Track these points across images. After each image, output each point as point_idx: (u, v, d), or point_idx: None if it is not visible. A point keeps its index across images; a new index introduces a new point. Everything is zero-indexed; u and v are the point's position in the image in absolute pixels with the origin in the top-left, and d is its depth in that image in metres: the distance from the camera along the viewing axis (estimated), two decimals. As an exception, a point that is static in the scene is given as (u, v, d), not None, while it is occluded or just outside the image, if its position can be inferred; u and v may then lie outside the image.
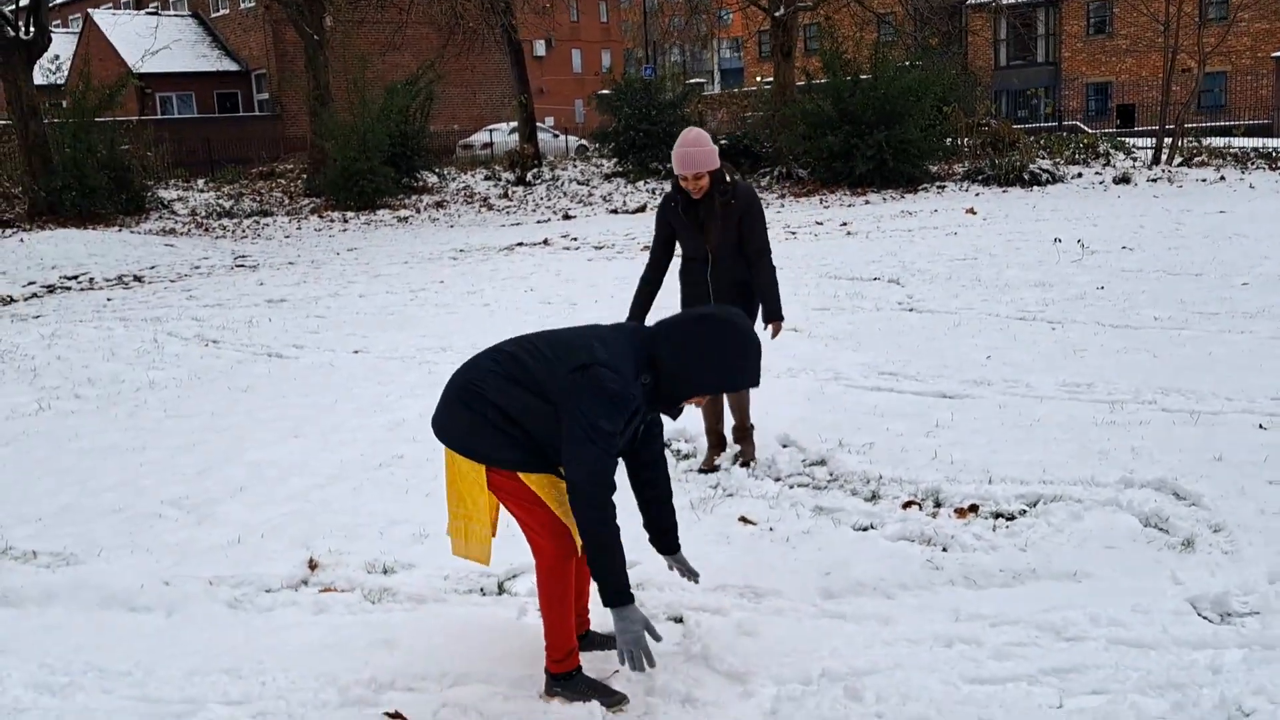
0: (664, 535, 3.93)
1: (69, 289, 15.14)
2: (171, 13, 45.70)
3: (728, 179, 5.46)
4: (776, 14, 25.50)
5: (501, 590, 4.57)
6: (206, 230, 22.38)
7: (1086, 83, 38.07)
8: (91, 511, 5.69)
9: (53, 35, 24.60)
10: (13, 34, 21.84)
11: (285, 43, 37.14)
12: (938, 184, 23.00)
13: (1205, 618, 3.95)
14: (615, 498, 3.44)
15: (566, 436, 3.40)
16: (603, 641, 4.02)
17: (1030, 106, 33.74)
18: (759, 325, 5.46)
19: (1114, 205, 18.21)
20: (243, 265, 17.09)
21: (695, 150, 5.30)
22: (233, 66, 43.38)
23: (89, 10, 44.37)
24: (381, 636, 4.16)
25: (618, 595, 3.46)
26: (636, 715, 3.60)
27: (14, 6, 23.57)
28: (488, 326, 10.14)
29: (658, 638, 3.62)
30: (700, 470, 5.88)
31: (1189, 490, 5.02)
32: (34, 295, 14.62)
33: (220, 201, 26.18)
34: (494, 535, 3.71)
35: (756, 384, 3.65)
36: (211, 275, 16.12)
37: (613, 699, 3.67)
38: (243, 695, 3.80)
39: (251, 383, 8.49)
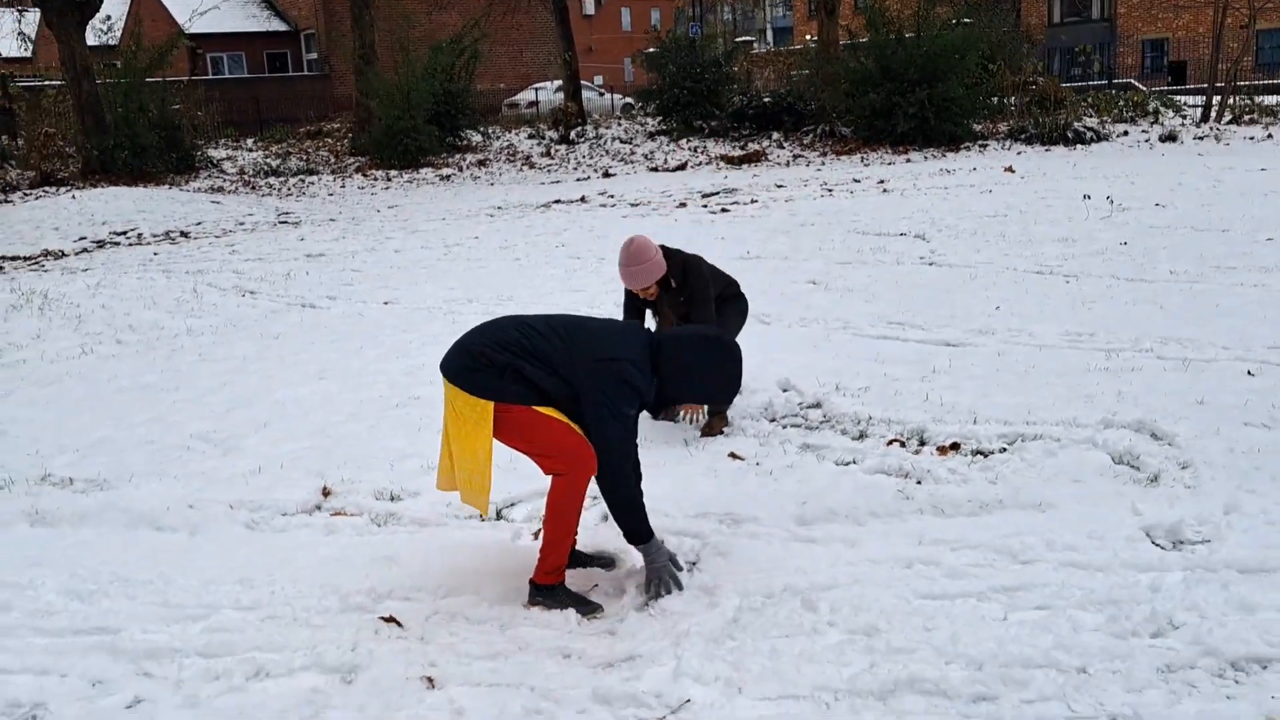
0: None
1: (118, 244, 15.60)
2: (224, -27, 46.10)
3: (672, 284, 5.65)
4: (821, -29, 25.46)
5: (500, 517, 4.85)
6: (253, 188, 22.81)
7: (1142, 39, 37.57)
8: (125, 443, 6.05)
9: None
10: (66, -5, 22.28)
11: (334, 2, 37.47)
12: (980, 142, 22.93)
13: (1158, 545, 4.15)
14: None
15: (590, 415, 3.79)
16: (586, 560, 4.32)
17: (1082, 64, 33.30)
18: None
19: (1156, 163, 18.11)
20: (285, 222, 17.48)
21: (639, 269, 5.51)
22: (282, 26, 43.81)
23: (142, -30, 44.91)
24: (383, 554, 4.47)
25: (642, 535, 3.94)
26: (610, 623, 3.87)
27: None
28: (516, 280, 10.42)
29: (680, 567, 4.07)
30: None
31: (1166, 431, 5.19)
32: (84, 250, 15.09)
33: (268, 160, 26.60)
34: (489, 486, 3.97)
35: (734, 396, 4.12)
36: (255, 231, 16.53)
37: (589, 608, 3.96)
38: (253, 602, 4.12)
39: (284, 330, 8.83)
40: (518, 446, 4.01)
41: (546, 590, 4.01)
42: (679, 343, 3.95)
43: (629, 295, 5.83)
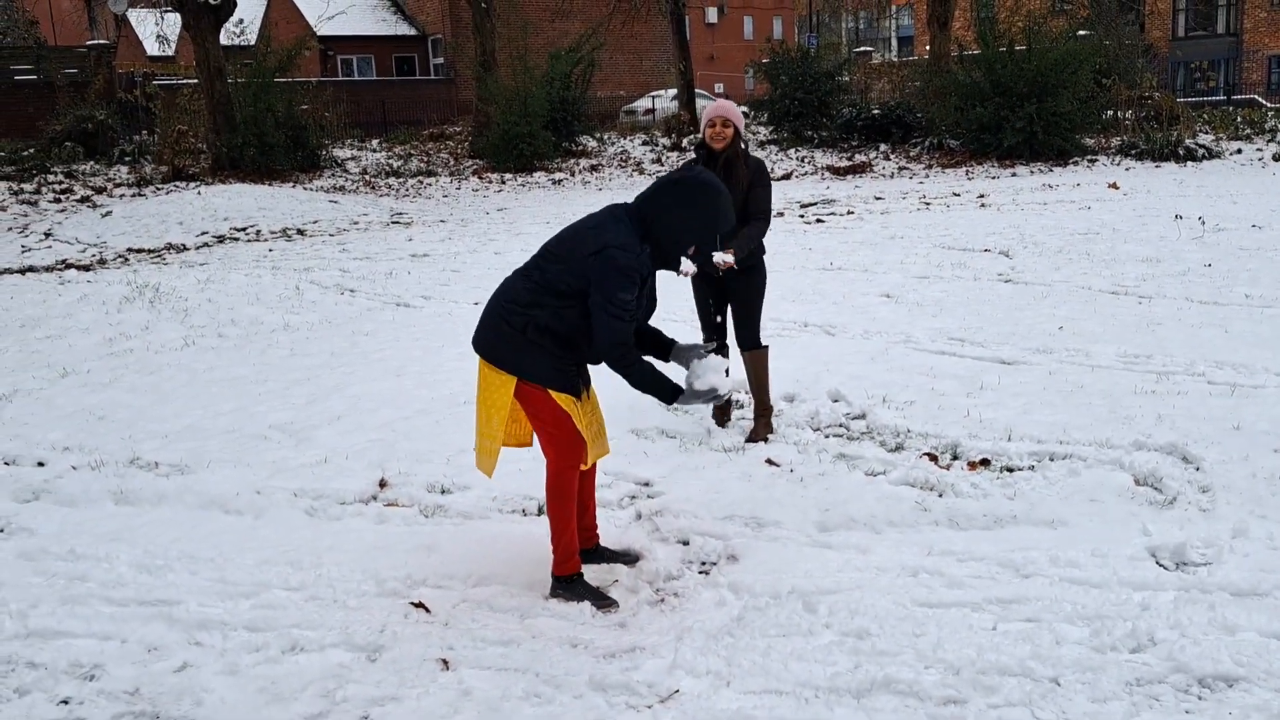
0: (661, 347, 4.42)
1: (237, 240, 16.35)
2: (355, -22, 47.53)
3: (744, 146, 5.76)
4: (934, -17, 25.35)
5: (541, 512, 5.14)
6: (373, 188, 23.57)
7: (1269, 55, 36.42)
8: (209, 431, 6.50)
9: None
10: (202, 0, 23.34)
11: (460, 8, 38.31)
12: (1090, 158, 22.59)
13: (1162, 565, 4.27)
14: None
15: (592, 310, 4.01)
16: (611, 556, 4.59)
17: (1205, 77, 32.46)
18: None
19: (1265, 183, 17.68)
20: (398, 222, 18.09)
21: (722, 103, 5.72)
22: (410, 31, 44.98)
23: (278, -26, 46.54)
24: (425, 543, 4.80)
25: (670, 394, 4.15)
26: (623, 616, 4.14)
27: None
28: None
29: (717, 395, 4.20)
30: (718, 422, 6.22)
31: (1195, 454, 5.27)
32: (204, 245, 15.86)
33: (390, 161, 27.42)
34: (499, 451, 4.28)
35: (732, 225, 4.22)
36: (368, 230, 17.16)
37: (603, 602, 4.23)
38: (300, 583, 4.48)
39: (375, 328, 9.27)
40: (529, 418, 4.27)
41: (565, 582, 4.29)
42: (654, 196, 4.09)
43: (697, 151, 5.83)
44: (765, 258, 5.95)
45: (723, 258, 5.13)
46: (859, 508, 4.90)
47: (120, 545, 4.91)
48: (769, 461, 5.57)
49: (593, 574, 4.42)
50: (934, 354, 7.48)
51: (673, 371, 4.63)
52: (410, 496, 5.39)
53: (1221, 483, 4.92)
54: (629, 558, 4.61)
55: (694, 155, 5.84)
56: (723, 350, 5.70)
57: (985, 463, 5.38)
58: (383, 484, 5.55)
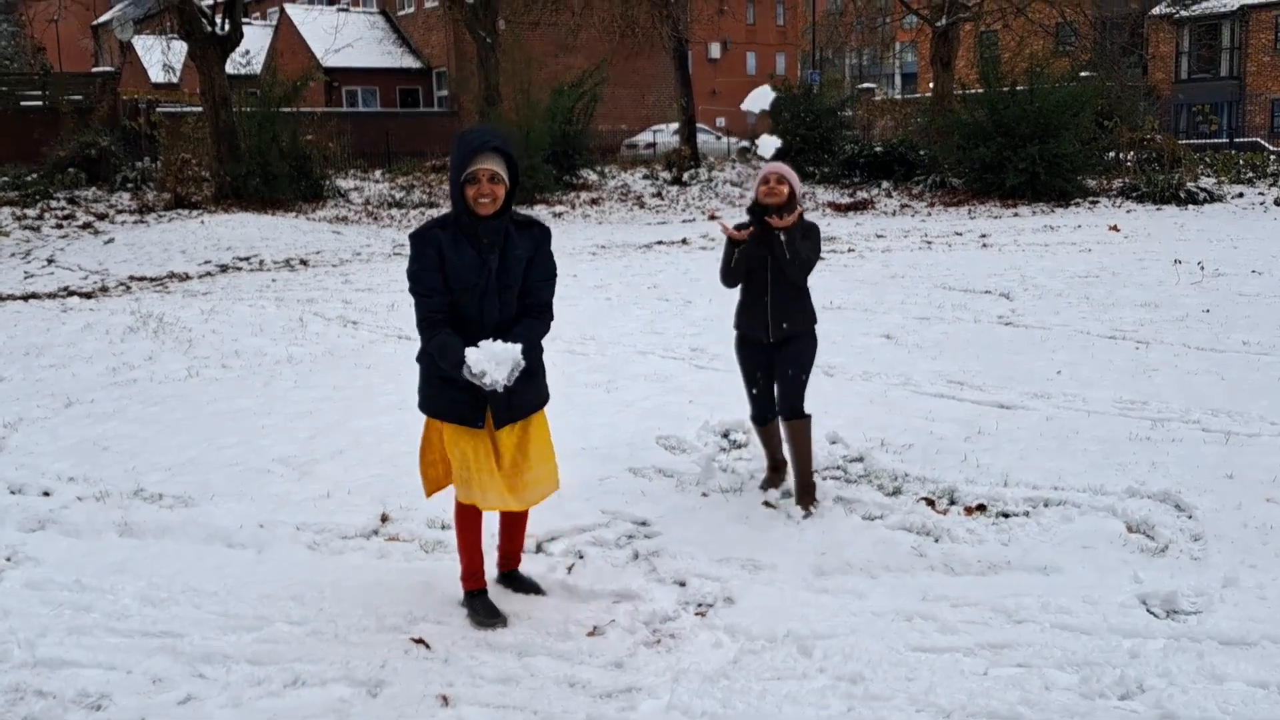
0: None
1: (240, 269, 16.46)
2: (361, 10, 47.93)
3: (797, 205, 5.57)
4: (937, 24, 25.57)
5: (539, 549, 5.20)
6: (375, 219, 23.69)
7: (1271, 98, 36.68)
8: (213, 464, 6.57)
9: (247, 29, 26.35)
10: (209, 29, 23.51)
11: (465, 42, 38.54)
12: (1091, 199, 22.75)
13: (1152, 612, 4.33)
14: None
15: None
16: (523, 585, 4.77)
17: (1208, 121, 32.70)
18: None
19: (1266, 227, 17.81)
20: (399, 254, 18.16)
21: (781, 164, 5.67)
22: (415, 64, 45.27)
23: (284, 5, 46.89)
24: (425, 580, 4.86)
25: (455, 367, 4.13)
26: (620, 655, 4.19)
27: (211, 3, 25.38)
28: (600, 320, 10.83)
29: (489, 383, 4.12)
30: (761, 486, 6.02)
31: (1188, 503, 5.33)
32: (208, 274, 15.97)
33: (392, 192, 27.54)
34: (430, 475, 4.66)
35: (469, 158, 4.17)
36: (370, 262, 17.26)
37: (488, 620, 4.43)
38: (302, 617, 4.54)
39: (376, 361, 9.34)
40: None
41: (466, 596, 4.57)
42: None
43: (751, 213, 5.71)
44: (817, 327, 5.74)
45: (784, 221, 5.34)
46: (856, 552, 4.96)
47: (125, 577, 4.97)
48: (766, 504, 5.63)
49: (590, 613, 4.49)
50: (933, 397, 7.55)
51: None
52: (411, 532, 5.45)
53: (1213, 531, 4.99)
54: (538, 591, 4.74)
55: (746, 217, 5.73)
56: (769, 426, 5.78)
57: (981, 508, 5.45)
58: (384, 519, 5.62)
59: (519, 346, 4.11)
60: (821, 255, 5.79)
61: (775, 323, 5.52)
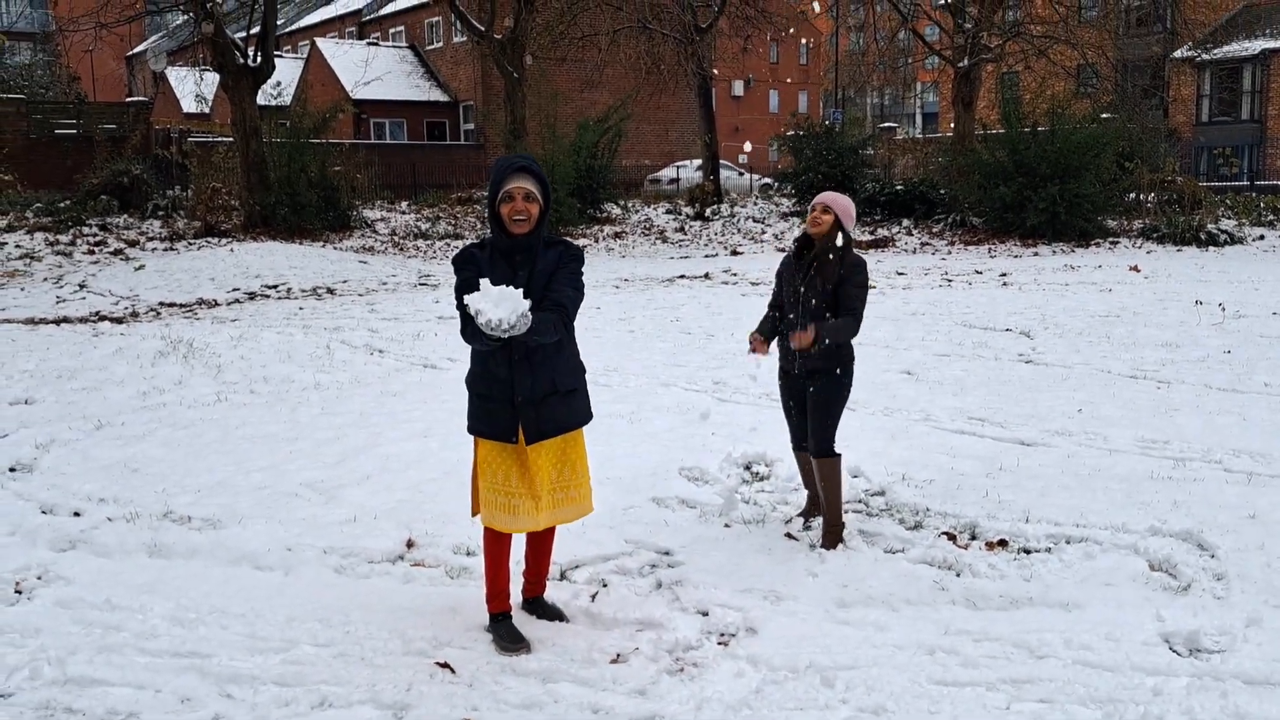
0: None
1: (268, 297, 16.61)
2: (390, 44, 48.48)
3: (842, 239, 5.45)
4: (959, 65, 25.72)
5: (563, 577, 5.25)
6: (401, 250, 23.88)
7: (1292, 142, 36.74)
8: (241, 488, 6.64)
9: (278, 61, 26.71)
10: (241, 61, 23.84)
11: (492, 77, 38.95)
12: (1111, 239, 22.77)
13: (1175, 651, 4.34)
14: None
15: None
16: (547, 612, 4.81)
17: (1229, 163, 32.69)
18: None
19: (1290, 270, 17.81)
20: (425, 284, 18.34)
21: (838, 194, 5.57)
22: (443, 97, 45.72)
23: (315, 38, 47.48)
24: (450, 605, 4.91)
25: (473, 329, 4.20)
26: (643, 683, 4.23)
27: (244, 35, 25.74)
28: (623, 353, 10.90)
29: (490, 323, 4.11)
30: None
31: (1210, 542, 5.35)
32: (236, 301, 16.12)
33: (418, 223, 27.77)
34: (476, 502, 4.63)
35: (505, 178, 4.28)
36: (396, 291, 17.40)
37: (504, 644, 4.49)
38: (329, 640, 4.59)
39: (403, 389, 9.43)
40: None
41: (491, 619, 4.62)
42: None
43: (783, 263, 5.71)
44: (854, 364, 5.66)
45: (800, 338, 5.26)
46: (877, 585, 4.99)
47: (154, 597, 5.03)
48: (789, 535, 5.67)
49: (613, 641, 4.53)
50: (954, 433, 7.58)
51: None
52: (436, 557, 5.51)
53: (1236, 571, 5.00)
54: (562, 618, 4.78)
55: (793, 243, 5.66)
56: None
57: (1003, 543, 5.47)
58: (410, 544, 5.67)
59: (522, 294, 4.05)
60: (872, 284, 5.69)
61: (804, 356, 5.52)
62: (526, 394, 4.37)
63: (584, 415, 4.60)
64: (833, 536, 5.55)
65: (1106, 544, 5.38)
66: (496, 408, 4.41)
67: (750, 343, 5.63)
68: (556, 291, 4.37)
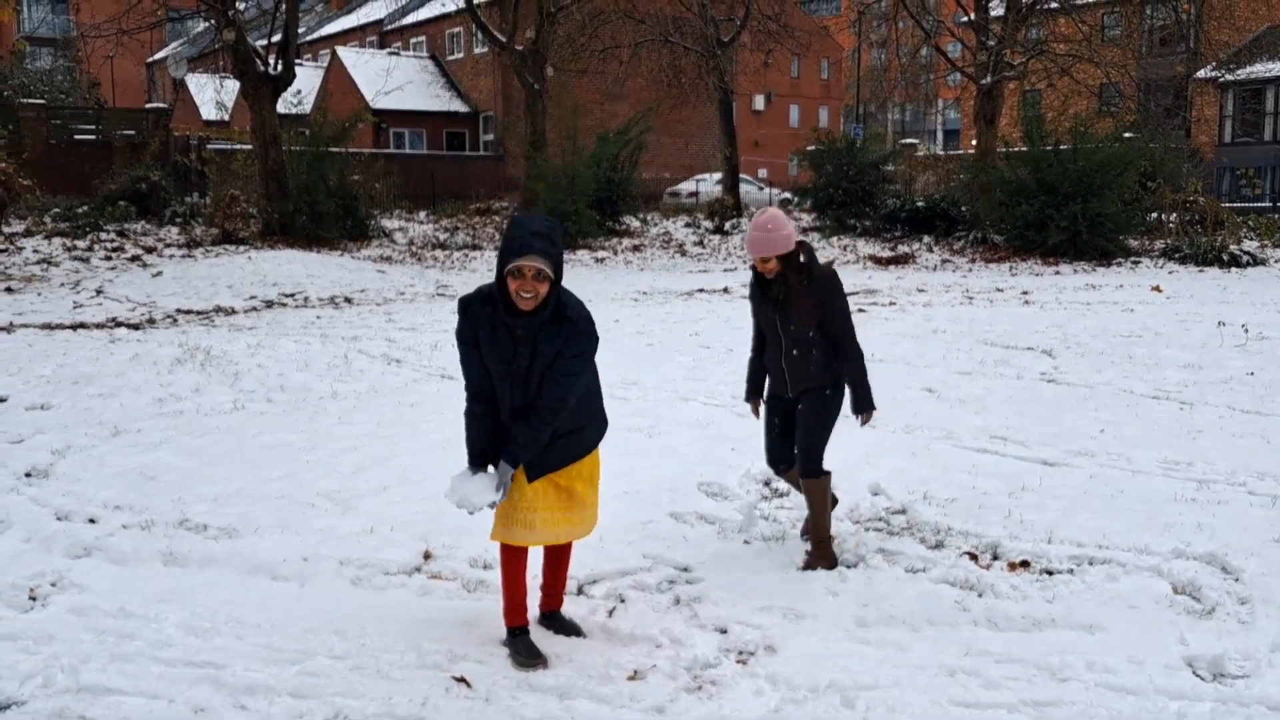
0: (510, 438, 4.39)
1: (285, 305, 16.63)
2: (411, 54, 48.62)
3: (802, 259, 5.24)
4: (982, 82, 25.66)
5: (580, 592, 5.20)
6: (419, 259, 23.91)
7: (1315, 164, 36.56)
8: (257, 496, 6.63)
9: (299, 69, 26.79)
10: (262, 69, 23.92)
11: (512, 88, 39.01)
12: (1133, 259, 22.65)
13: (1199, 675, 4.27)
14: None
15: None
16: (564, 627, 4.78)
17: (1252, 184, 32.54)
18: (845, 411, 5.47)
19: (1313, 292, 17.67)
20: (443, 294, 18.34)
21: (761, 235, 5.17)
22: (463, 108, 45.82)
23: (336, 47, 47.65)
24: (467, 619, 4.87)
25: (469, 457, 4.46)
26: (661, 700, 4.18)
27: (265, 43, 25.82)
28: (643, 366, 10.86)
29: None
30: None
31: (1235, 565, 5.27)
32: (253, 309, 16.15)
33: (436, 234, 27.82)
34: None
35: (516, 253, 4.14)
36: (414, 301, 17.41)
37: (528, 661, 4.44)
38: (345, 651, 4.56)
39: (420, 400, 9.40)
40: None
41: (508, 633, 4.60)
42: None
43: (750, 292, 5.54)
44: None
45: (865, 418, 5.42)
46: (898, 604, 4.93)
47: (169, 606, 5.00)
48: (808, 553, 5.61)
49: (631, 657, 4.49)
50: (976, 452, 7.52)
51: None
52: (453, 570, 5.47)
53: (1261, 595, 4.93)
54: (579, 633, 4.75)
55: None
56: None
57: (1025, 564, 5.41)
58: (427, 555, 5.64)
59: (498, 474, 4.37)
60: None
61: (793, 381, 5.43)
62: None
63: (590, 445, 4.56)
64: (822, 556, 5.45)
65: (1130, 566, 5.31)
66: (500, 447, 4.44)
67: (751, 407, 5.77)
68: (550, 385, 4.29)
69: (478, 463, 4.45)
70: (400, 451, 7.64)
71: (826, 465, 5.48)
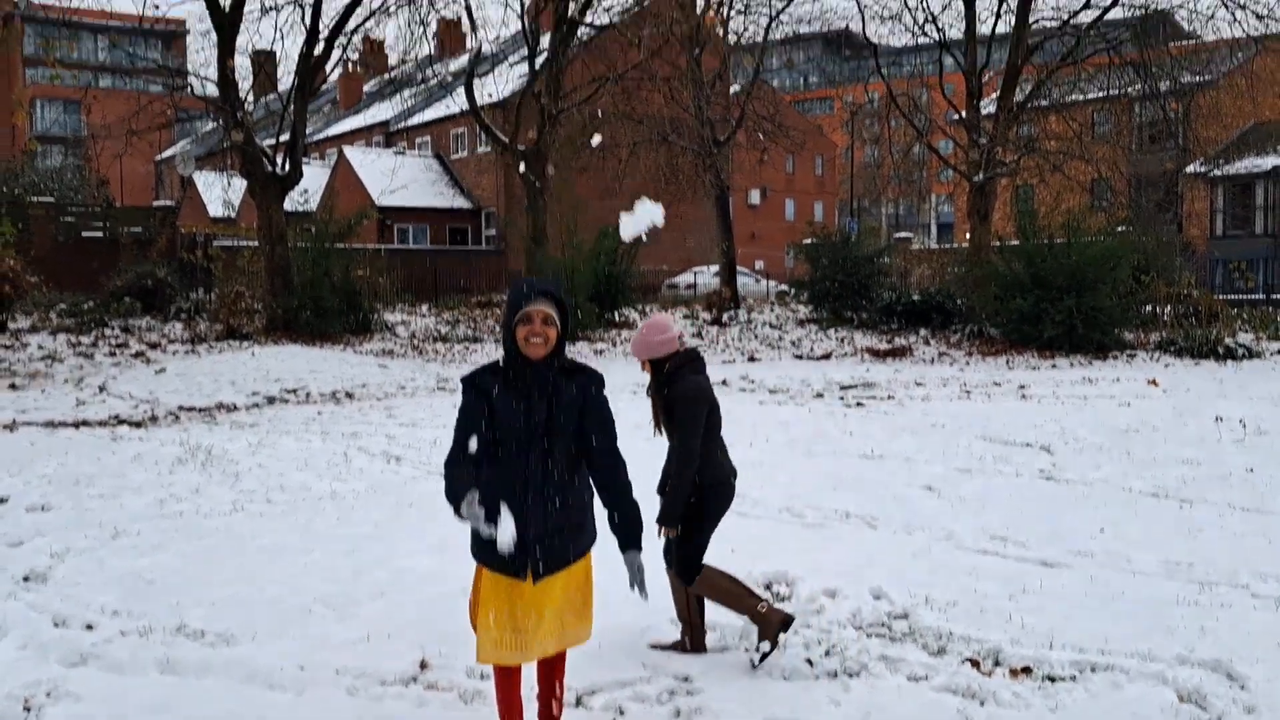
0: (618, 529, 4.43)
1: (287, 401, 16.68)
2: (416, 153, 49.37)
3: (667, 368, 5.50)
4: (974, 179, 26.02)
5: (579, 703, 5.16)
6: (421, 353, 24.02)
7: (1307, 257, 36.92)
8: (255, 601, 6.60)
9: (306, 167, 27.18)
10: (270, 169, 24.28)
11: (514, 185, 39.52)
12: (1129, 352, 22.75)
13: (1203, 787, 4.23)
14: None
15: None
16: None
17: (1245, 277, 32.84)
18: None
19: (1310, 385, 17.72)
20: (443, 388, 18.39)
21: (638, 338, 5.53)
22: (466, 204, 46.42)
23: (343, 146, 48.41)
24: (464, 730, 4.83)
25: (453, 499, 4.14)
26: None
27: (273, 142, 26.24)
28: (642, 461, 10.80)
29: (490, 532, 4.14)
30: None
31: (1240, 673, 5.24)
32: (255, 405, 16.19)
33: (438, 327, 27.99)
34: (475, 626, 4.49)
35: (525, 299, 4.20)
36: (414, 396, 17.46)
37: None
38: (337, 762, 4.52)
39: (418, 499, 9.40)
40: None
41: None
42: None
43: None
44: (736, 478, 5.77)
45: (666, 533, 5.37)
46: (900, 713, 4.91)
47: (165, 717, 4.97)
48: (809, 661, 5.58)
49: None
50: (976, 553, 7.51)
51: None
52: (450, 681, 5.42)
53: (1267, 703, 4.90)
54: None
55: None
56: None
57: (1027, 671, 5.38)
58: (424, 665, 5.60)
59: (627, 565, 4.38)
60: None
61: (661, 483, 5.59)
62: (539, 528, 4.23)
63: (590, 541, 4.51)
64: (691, 639, 5.61)
65: (1133, 672, 5.28)
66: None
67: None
68: (596, 439, 4.35)
69: (460, 499, 4.18)
70: (398, 554, 7.62)
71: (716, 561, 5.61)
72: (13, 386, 17.20)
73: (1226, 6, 25.35)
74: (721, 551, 7.49)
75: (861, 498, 9.17)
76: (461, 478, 4.16)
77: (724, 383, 18.85)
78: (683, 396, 5.45)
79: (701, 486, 5.49)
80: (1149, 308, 24.79)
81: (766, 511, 8.74)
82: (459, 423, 4.30)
